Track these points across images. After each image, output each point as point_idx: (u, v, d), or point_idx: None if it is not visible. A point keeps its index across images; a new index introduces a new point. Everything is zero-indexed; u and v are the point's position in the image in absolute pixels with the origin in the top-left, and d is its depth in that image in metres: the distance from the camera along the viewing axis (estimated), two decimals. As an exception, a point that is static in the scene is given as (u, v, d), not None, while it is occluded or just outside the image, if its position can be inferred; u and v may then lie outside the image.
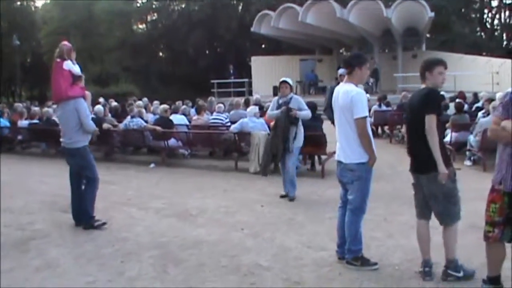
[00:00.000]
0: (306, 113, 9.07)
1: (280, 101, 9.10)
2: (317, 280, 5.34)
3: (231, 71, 36.10)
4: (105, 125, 14.07)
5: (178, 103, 17.44)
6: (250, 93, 31.34)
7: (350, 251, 5.62)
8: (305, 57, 37.75)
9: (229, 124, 13.69)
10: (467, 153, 12.36)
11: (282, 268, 5.68)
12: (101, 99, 23.12)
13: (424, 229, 5.34)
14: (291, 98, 9.02)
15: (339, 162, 5.70)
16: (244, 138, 12.10)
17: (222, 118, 14.10)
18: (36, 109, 19.60)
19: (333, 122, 9.85)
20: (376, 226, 6.96)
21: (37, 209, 9.01)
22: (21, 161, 15.49)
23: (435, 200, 5.14)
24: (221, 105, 14.86)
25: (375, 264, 5.60)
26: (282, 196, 9.19)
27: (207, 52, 47.05)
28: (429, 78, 5.16)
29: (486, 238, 4.62)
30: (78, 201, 7.78)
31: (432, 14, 28.00)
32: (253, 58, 37.72)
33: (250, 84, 34.95)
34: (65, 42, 7.83)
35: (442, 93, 16.14)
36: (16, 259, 6.27)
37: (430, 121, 4.91)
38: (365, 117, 5.45)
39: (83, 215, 7.65)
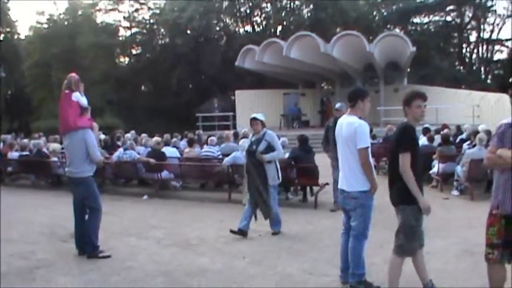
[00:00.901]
0: (276, 154, 8.76)
1: (253, 139, 8.93)
2: (322, 304, 5.58)
3: (216, 105, 36.44)
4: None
5: (166, 136, 17.64)
6: (234, 127, 31.62)
7: (354, 275, 5.87)
8: (289, 91, 38.23)
9: (220, 156, 13.95)
10: (455, 183, 12.70)
11: (288, 293, 5.91)
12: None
13: (417, 256, 5.52)
14: (264, 134, 8.78)
15: (342, 191, 5.97)
16: (237, 170, 12.33)
17: (213, 150, 14.35)
18: (25, 141, 19.71)
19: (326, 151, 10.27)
20: (374, 253, 7.21)
21: (37, 239, 9.11)
22: (12, 192, 15.53)
23: (397, 230, 5.37)
24: (214, 138, 15.12)
25: (378, 287, 5.84)
26: (232, 231, 8.81)
27: (190, 86, 47.44)
28: (408, 113, 5.35)
29: (487, 260, 4.88)
30: (82, 230, 7.92)
31: (414, 49, 28.60)
32: (237, 92, 38.14)
33: (234, 117, 35.25)
34: (73, 74, 8.09)
35: (426, 125, 16.69)
36: None
37: (403, 159, 5.14)
38: (367, 148, 5.75)
39: (88, 244, 7.79)
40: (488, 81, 47.14)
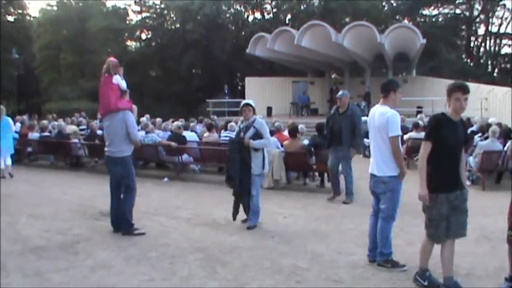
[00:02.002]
0: (264, 141, 8.48)
1: (242, 126, 8.69)
2: (354, 280, 6.02)
3: (226, 91, 36.75)
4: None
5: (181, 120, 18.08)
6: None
7: (382, 254, 6.31)
8: (298, 79, 38.62)
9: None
10: (467, 173, 13.08)
11: (320, 270, 6.34)
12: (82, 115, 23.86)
13: (445, 245, 5.58)
14: (253, 121, 8.51)
15: (373, 175, 6.39)
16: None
17: (232, 135, 14.72)
18: (44, 122, 20.14)
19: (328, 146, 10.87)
20: (395, 236, 7.61)
21: (69, 216, 9.47)
22: (33, 172, 15.94)
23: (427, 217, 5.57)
24: (233, 123, 15.52)
25: (404, 266, 6.28)
26: (244, 221, 8.78)
27: (200, 72, 47.70)
28: (448, 104, 5.44)
29: (509, 242, 5.30)
30: (118, 208, 8.32)
31: (424, 41, 28.92)
32: (247, 79, 38.48)
33: (243, 104, 35.54)
34: (112, 58, 8.48)
35: (419, 120, 17.09)
36: (68, 260, 6.77)
37: (422, 147, 5.44)
38: (398, 136, 6.16)
39: (123, 222, 8.18)
40: (495, 74, 47.39)
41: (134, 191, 8.35)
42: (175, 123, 15.37)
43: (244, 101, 8.79)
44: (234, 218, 8.75)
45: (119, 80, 8.24)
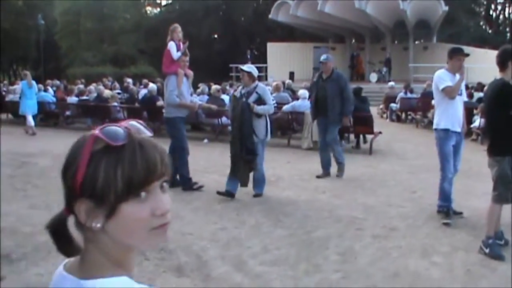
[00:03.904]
0: (268, 107, 8.21)
1: (243, 91, 8.29)
2: (408, 228, 6.70)
3: (249, 56, 37.18)
4: (159, 103, 15.23)
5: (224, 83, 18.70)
6: (266, 78, 32.48)
7: (439, 206, 6.98)
8: (319, 44, 38.86)
9: (275, 105, 14.97)
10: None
11: (375, 219, 7.04)
12: (129, 80, 24.41)
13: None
14: (255, 87, 8.21)
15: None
16: (296, 117, 13.40)
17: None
18: (81, 86, 20.83)
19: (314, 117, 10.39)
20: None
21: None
22: (74, 134, 16.59)
23: (495, 181, 5.72)
24: (270, 87, 16.10)
25: (461, 213, 7.03)
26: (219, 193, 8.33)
27: (220, 37, 48.05)
28: (503, 71, 5.69)
29: None
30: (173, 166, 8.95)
31: (446, 8, 29.22)
32: (268, 44, 38.82)
33: (266, 69, 36.09)
34: (175, 24, 9.19)
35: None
36: None
37: None
38: None
39: (181, 178, 8.77)
40: (513, 41, 47.42)
41: (183, 151, 8.74)
42: (214, 86, 15.96)
43: (240, 67, 8.59)
44: (246, 184, 8.27)
45: (171, 46, 8.90)
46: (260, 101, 8.13)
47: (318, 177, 9.80)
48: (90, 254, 1.11)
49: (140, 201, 1.05)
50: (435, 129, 6.93)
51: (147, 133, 1.12)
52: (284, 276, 5.19)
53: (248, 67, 8.33)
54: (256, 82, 8.33)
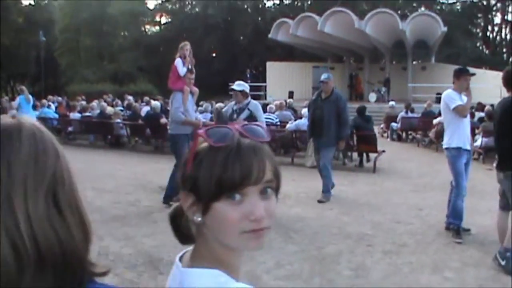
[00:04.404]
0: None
1: (235, 107, 8.24)
2: (417, 244, 6.79)
3: (248, 75, 37.41)
4: (163, 120, 15.33)
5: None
6: (265, 97, 32.66)
7: (450, 223, 7.13)
8: (318, 64, 39.17)
9: (278, 123, 15.13)
10: (496, 156, 13.79)
11: (385, 235, 7.13)
12: (130, 97, 24.55)
13: (502, 219, 6.13)
14: (248, 104, 8.17)
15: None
16: (300, 136, 13.51)
17: (272, 118, 15.51)
18: (83, 103, 20.95)
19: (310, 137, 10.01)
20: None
21: (132, 190, 10.11)
22: (75, 151, 16.66)
23: (503, 194, 6.02)
24: (273, 106, 16.27)
25: (469, 230, 7.14)
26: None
27: (220, 56, 48.32)
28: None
29: None
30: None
31: (445, 29, 29.57)
32: (268, 64, 39.07)
33: (265, 88, 36.31)
34: (185, 42, 9.31)
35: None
36: (151, 227, 7.41)
37: None
38: None
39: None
40: (510, 62, 47.74)
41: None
42: (217, 104, 16.09)
43: (232, 86, 8.44)
44: None
45: (178, 63, 9.00)
46: (252, 118, 7.97)
47: (320, 201, 9.33)
48: (197, 246, 1.19)
49: (233, 203, 1.08)
50: (446, 148, 7.04)
51: (262, 137, 1.14)
52: (299, 291, 5.27)
53: (239, 86, 8.26)
54: (249, 99, 8.29)
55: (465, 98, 7.00)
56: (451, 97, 6.95)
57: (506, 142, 5.83)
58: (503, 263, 5.71)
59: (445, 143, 7.16)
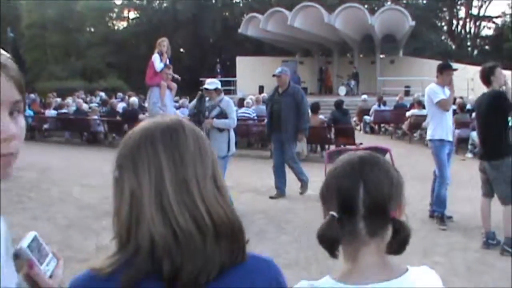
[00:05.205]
0: (228, 122, 8.11)
1: (207, 104, 8.22)
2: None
3: (219, 70, 37.43)
4: (141, 116, 15.45)
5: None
6: (235, 92, 32.83)
7: (435, 211, 7.54)
8: (287, 58, 39.41)
9: (256, 118, 15.36)
10: (469, 146, 14.31)
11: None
12: (102, 93, 24.48)
13: (485, 205, 6.45)
14: (220, 101, 8.19)
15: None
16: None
17: (250, 112, 15.75)
18: (58, 99, 20.91)
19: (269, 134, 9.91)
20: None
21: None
22: (53, 148, 16.68)
23: (497, 184, 6.15)
24: (250, 100, 16.49)
25: (450, 217, 7.54)
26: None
27: (189, 51, 48.28)
28: (494, 80, 6.24)
29: None
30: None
31: (413, 23, 30.09)
32: (238, 59, 39.15)
33: (235, 83, 36.48)
34: (163, 38, 9.50)
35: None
36: None
37: None
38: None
39: None
40: (475, 55, 48.67)
41: None
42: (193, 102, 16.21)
43: (205, 86, 8.27)
44: None
45: (155, 58, 9.22)
46: (222, 115, 8.05)
47: (271, 197, 9.35)
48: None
49: None
50: (430, 140, 7.42)
51: None
52: (299, 278, 5.47)
53: (211, 84, 8.19)
54: (222, 95, 8.32)
55: (448, 92, 7.30)
56: (435, 91, 7.27)
57: (492, 133, 6.16)
58: (511, 250, 5.97)
59: (429, 135, 7.53)
